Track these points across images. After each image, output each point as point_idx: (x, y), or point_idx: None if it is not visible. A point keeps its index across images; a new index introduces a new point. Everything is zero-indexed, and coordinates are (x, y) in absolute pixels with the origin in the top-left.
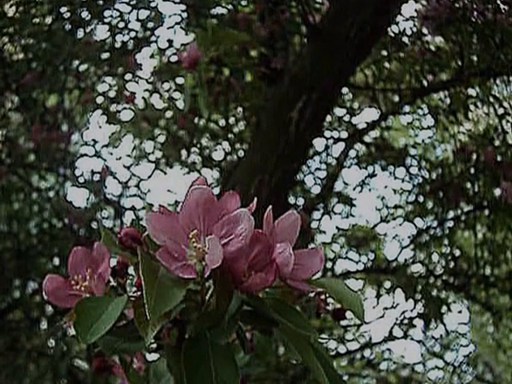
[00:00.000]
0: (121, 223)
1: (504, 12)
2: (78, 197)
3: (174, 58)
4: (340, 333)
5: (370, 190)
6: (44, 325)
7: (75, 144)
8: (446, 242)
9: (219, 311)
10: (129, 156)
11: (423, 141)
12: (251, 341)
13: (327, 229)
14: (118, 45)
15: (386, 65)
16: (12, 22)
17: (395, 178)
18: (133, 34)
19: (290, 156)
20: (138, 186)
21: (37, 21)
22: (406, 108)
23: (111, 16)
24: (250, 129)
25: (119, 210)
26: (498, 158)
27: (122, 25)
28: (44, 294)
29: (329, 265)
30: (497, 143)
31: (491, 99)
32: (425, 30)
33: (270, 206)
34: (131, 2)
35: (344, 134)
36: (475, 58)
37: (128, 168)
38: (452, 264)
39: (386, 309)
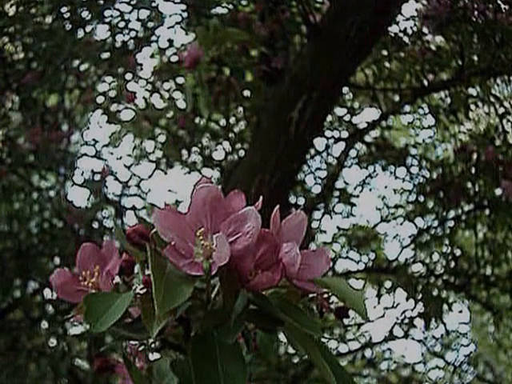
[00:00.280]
0: (121, 223)
1: (504, 11)
2: (79, 196)
3: (174, 58)
4: (341, 332)
5: (370, 189)
6: (44, 324)
7: (76, 144)
8: (446, 241)
9: (225, 309)
10: (129, 156)
11: (424, 140)
12: (254, 340)
13: (328, 228)
14: (118, 44)
15: (387, 64)
16: (12, 22)
17: (396, 177)
18: (133, 33)
19: (291, 156)
20: (138, 185)
21: (37, 20)
22: (407, 107)
23: (111, 16)
24: (251, 128)
25: (120, 209)
26: (499, 158)
27: (122, 24)
28: (52, 287)
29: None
30: (497, 143)
31: (492, 99)
32: (425, 30)
33: (278, 206)
34: (131, 2)
35: (344, 134)
36: (476, 58)
37: (128, 168)
38: (453, 264)
39: (386, 308)
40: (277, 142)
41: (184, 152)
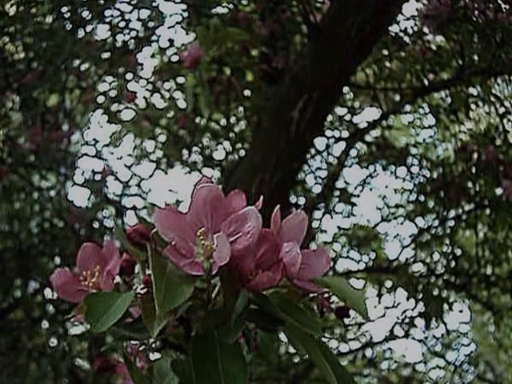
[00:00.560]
0: (122, 223)
1: (505, 11)
2: (79, 196)
3: (174, 58)
4: (341, 332)
5: (371, 189)
6: (45, 324)
7: (76, 143)
8: (447, 241)
9: (226, 309)
10: (130, 155)
11: (424, 140)
12: (254, 340)
13: (328, 228)
14: (118, 44)
15: (387, 64)
16: (13, 22)
17: (396, 177)
18: (134, 33)
19: (291, 155)
20: (139, 185)
21: (38, 20)
22: (407, 107)
23: (112, 15)
24: (251, 128)
25: (120, 209)
26: (500, 157)
27: (122, 24)
28: (53, 287)
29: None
30: (498, 142)
31: (492, 98)
32: (426, 29)
33: (278, 206)
34: (132, 2)
35: (345, 134)
36: (476, 57)
37: (129, 167)
38: (453, 263)
39: (387, 308)
40: (277, 142)
41: (184, 152)
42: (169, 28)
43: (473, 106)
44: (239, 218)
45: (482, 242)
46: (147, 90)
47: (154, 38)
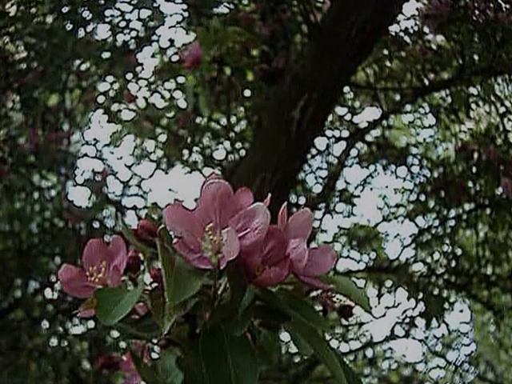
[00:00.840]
0: (122, 223)
1: (505, 10)
2: (80, 196)
3: (175, 58)
4: (342, 332)
5: (371, 189)
6: (45, 324)
7: (76, 143)
8: (447, 240)
9: (233, 304)
10: (130, 155)
11: (425, 140)
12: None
13: (329, 228)
14: (119, 44)
15: (388, 64)
16: (13, 21)
17: (397, 176)
18: (134, 33)
19: (292, 155)
20: (139, 185)
21: (38, 20)
22: (408, 107)
23: (112, 15)
24: (252, 128)
25: (120, 209)
26: (500, 157)
27: (123, 24)
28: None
29: None
30: (498, 142)
31: (492, 98)
32: (426, 29)
33: (285, 203)
34: (132, 2)
35: (345, 133)
36: (476, 57)
37: (129, 167)
38: (454, 263)
39: (387, 308)
40: (278, 142)
41: (185, 152)
42: (169, 28)
43: (473, 106)
44: (248, 214)
45: (483, 242)
46: (147, 89)
47: (154, 37)
